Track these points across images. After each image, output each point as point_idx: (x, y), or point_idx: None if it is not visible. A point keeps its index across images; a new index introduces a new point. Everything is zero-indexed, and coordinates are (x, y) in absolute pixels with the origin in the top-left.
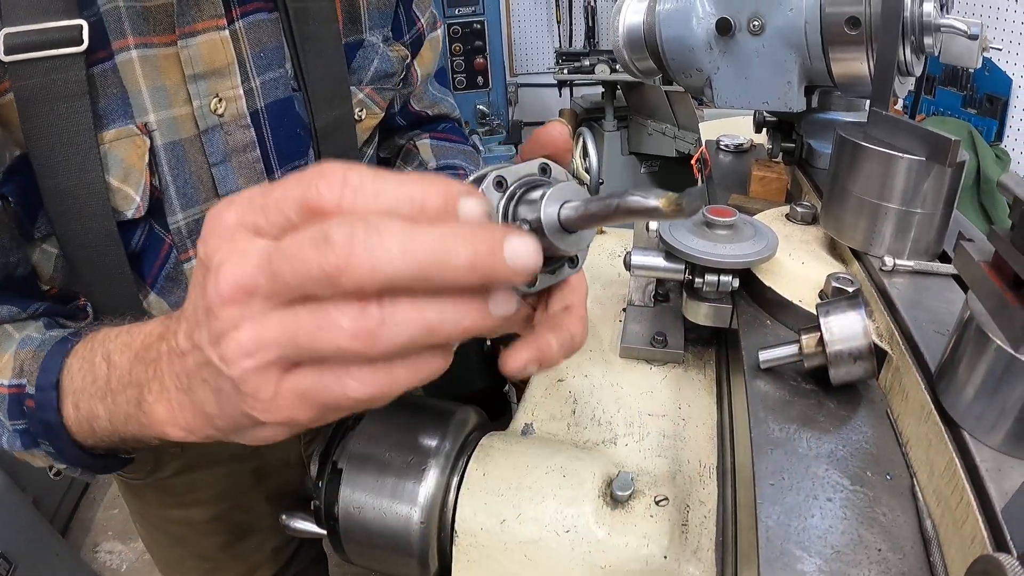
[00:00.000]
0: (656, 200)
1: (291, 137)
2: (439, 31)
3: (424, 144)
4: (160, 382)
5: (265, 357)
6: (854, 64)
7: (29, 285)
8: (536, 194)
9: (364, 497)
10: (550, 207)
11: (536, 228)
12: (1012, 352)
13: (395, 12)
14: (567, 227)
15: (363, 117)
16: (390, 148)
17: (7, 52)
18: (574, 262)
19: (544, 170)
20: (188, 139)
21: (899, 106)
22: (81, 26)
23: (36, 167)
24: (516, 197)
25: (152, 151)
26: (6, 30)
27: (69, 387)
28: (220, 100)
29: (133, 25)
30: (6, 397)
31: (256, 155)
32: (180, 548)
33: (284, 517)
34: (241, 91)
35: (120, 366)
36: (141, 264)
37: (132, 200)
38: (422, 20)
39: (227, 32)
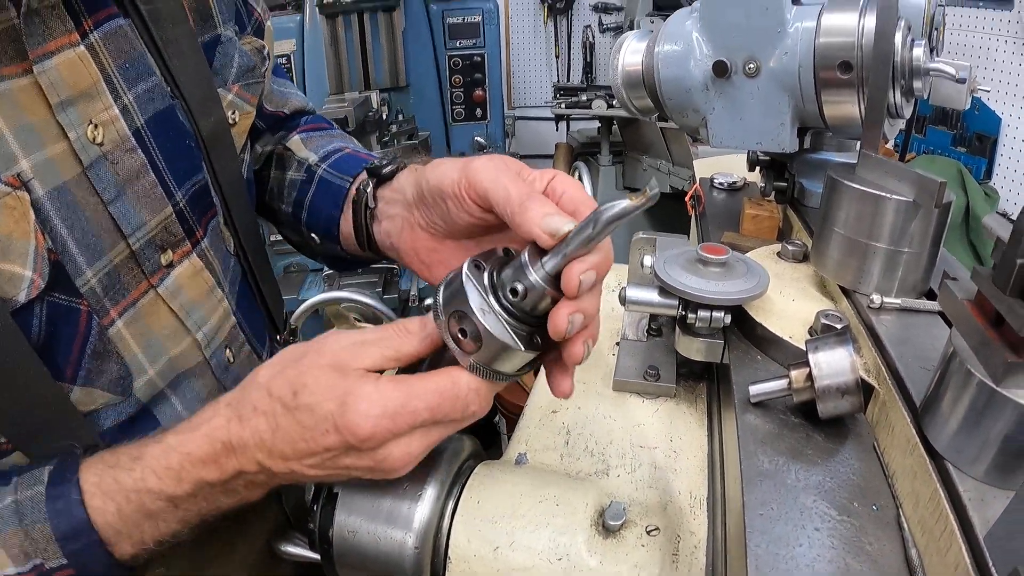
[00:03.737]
0: (625, 202)
1: (182, 151)
2: (270, 21)
3: (295, 141)
4: (265, 484)
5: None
6: (845, 107)
7: None
8: (513, 268)
9: (359, 521)
10: (535, 262)
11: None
12: (993, 386)
13: (236, 2)
14: (557, 274)
15: (237, 119)
16: (254, 157)
17: None
18: None
19: (478, 265)
20: (73, 180)
21: (890, 145)
22: None
23: None
24: (495, 280)
25: (35, 206)
26: None
27: (116, 538)
28: (96, 126)
29: None
30: None
31: (152, 179)
32: None
33: (276, 542)
34: (116, 111)
35: (190, 494)
36: (54, 351)
37: (21, 278)
38: (258, 8)
39: (83, 47)
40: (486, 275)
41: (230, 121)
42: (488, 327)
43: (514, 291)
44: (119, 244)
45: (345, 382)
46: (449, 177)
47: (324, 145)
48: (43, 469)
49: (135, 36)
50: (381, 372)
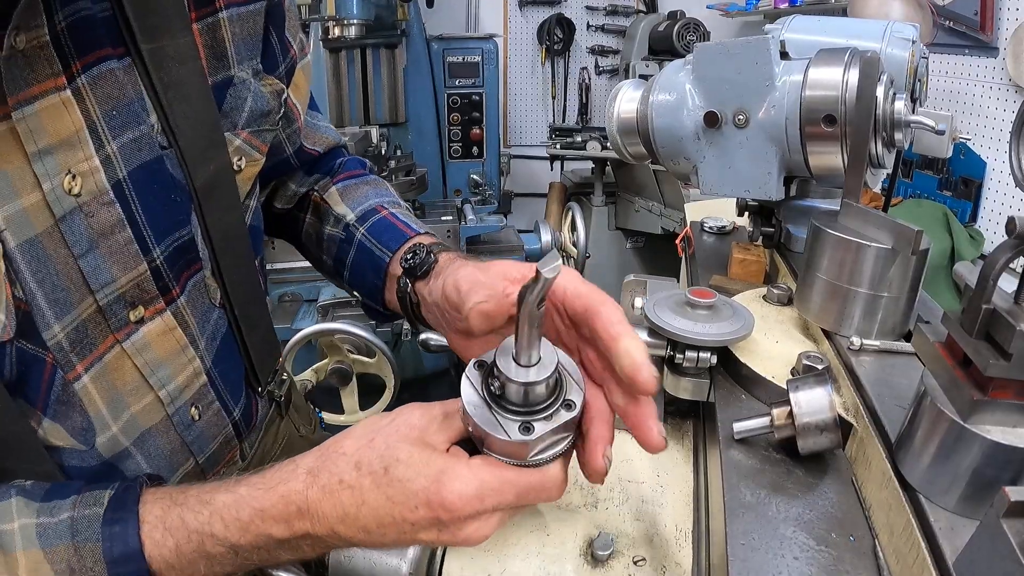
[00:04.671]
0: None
1: (166, 205)
2: (309, 56)
3: (332, 194)
4: (329, 547)
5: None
6: (829, 157)
7: None
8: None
9: (354, 548)
10: (503, 358)
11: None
12: (961, 423)
13: (266, 40)
14: (531, 362)
15: (243, 167)
16: (285, 196)
17: None
18: (571, 407)
19: (480, 364)
20: (45, 232)
21: (877, 189)
22: None
23: None
24: (492, 394)
25: (7, 257)
26: None
27: (169, 571)
28: (74, 176)
29: None
30: None
31: (128, 235)
32: None
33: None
34: (97, 161)
35: (253, 544)
36: (25, 389)
37: None
38: (294, 45)
39: (68, 92)
40: (481, 376)
41: (235, 168)
42: (473, 417)
43: (496, 388)
44: (87, 299)
45: (439, 460)
46: (438, 291)
47: (360, 201)
48: (103, 492)
49: (129, 79)
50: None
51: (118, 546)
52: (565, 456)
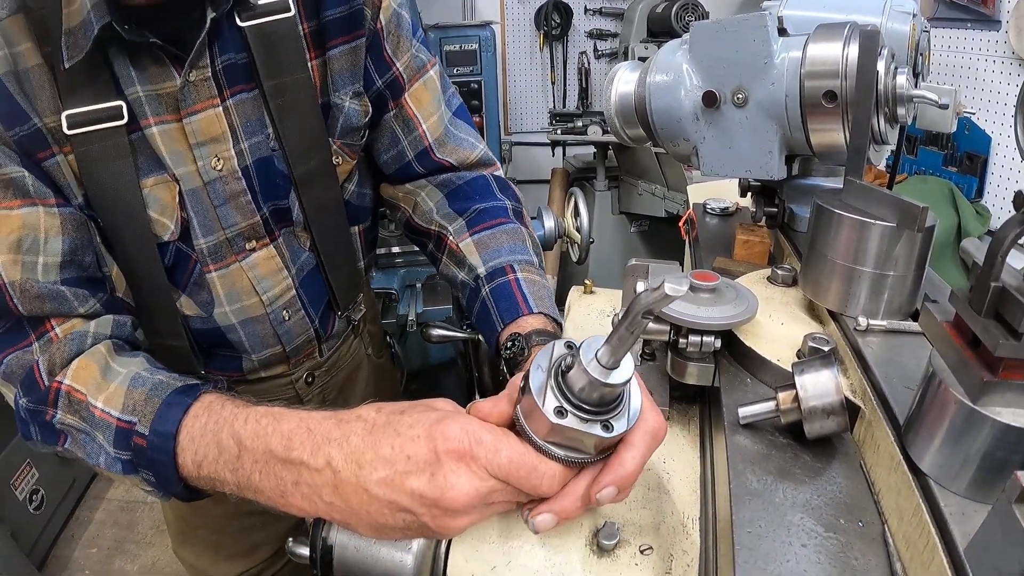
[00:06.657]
0: (653, 294)
1: (272, 185)
2: (432, 71)
3: (468, 244)
4: (311, 492)
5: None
6: (831, 134)
7: (96, 284)
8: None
9: (360, 541)
10: (587, 356)
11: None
12: (971, 405)
13: (365, 65)
14: (608, 364)
15: (339, 163)
16: (421, 213)
17: (69, 128)
18: (608, 428)
19: (570, 346)
20: (200, 187)
21: (881, 166)
22: (121, 106)
23: (97, 207)
24: (560, 369)
25: (180, 193)
26: (66, 112)
27: (189, 445)
28: (219, 160)
29: (151, 108)
30: (113, 427)
31: (248, 199)
32: (193, 517)
33: (291, 542)
34: (233, 152)
35: (253, 451)
36: (175, 275)
37: (168, 228)
38: (398, 64)
39: (221, 109)
40: (565, 354)
41: (334, 163)
42: (531, 377)
43: (566, 365)
44: (220, 231)
45: (451, 413)
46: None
47: (494, 254)
48: (192, 379)
49: (255, 104)
50: None
51: (168, 410)
52: (572, 471)
